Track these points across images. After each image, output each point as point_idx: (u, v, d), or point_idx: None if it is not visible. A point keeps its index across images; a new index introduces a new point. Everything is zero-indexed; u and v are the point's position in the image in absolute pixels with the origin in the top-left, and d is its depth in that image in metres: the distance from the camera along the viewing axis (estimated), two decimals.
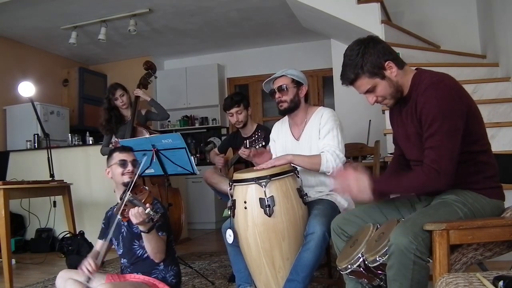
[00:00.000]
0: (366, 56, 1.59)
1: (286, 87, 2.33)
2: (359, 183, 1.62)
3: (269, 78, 2.42)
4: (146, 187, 2.10)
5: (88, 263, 1.94)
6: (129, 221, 1.94)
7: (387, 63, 1.61)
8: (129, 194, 1.91)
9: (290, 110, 2.36)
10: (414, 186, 1.61)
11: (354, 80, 1.64)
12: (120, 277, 2.10)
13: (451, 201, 1.57)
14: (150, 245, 1.97)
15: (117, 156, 2.18)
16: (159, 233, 2.03)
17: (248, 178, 1.99)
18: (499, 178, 1.68)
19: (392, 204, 1.82)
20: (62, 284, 2.01)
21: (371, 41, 1.63)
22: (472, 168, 1.61)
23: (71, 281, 1.99)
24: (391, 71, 1.62)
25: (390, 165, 1.99)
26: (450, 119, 1.51)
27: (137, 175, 2.06)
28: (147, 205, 1.85)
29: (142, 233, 1.94)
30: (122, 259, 2.16)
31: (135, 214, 1.84)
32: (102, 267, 1.97)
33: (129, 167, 2.14)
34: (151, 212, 1.82)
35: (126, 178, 2.12)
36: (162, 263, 2.08)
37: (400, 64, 1.66)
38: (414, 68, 1.73)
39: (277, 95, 2.35)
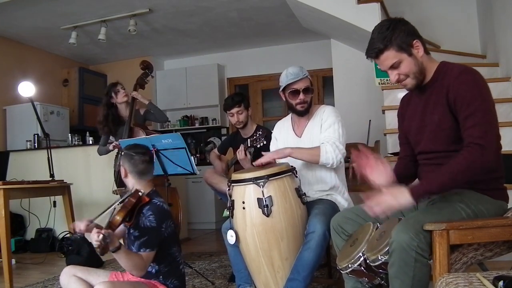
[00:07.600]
0: (397, 31, 1.62)
1: (311, 89, 2.33)
2: (397, 196, 1.51)
3: (295, 78, 2.28)
4: (141, 192, 1.94)
5: (81, 222, 1.86)
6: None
7: (415, 41, 1.64)
8: (117, 204, 1.90)
9: (308, 111, 2.35)
10: (460, 170, 1.47)
11: (382, 50, 1.63)
12: (124, 275, 2.08)
13: (455, 201, 1.56)
14: (121, 263, 1.85)
15: None
16: (141, 250, 1.89)
17: (246, 178, 1.99)
18: (504, 180, 1.67)
19: None
20: (66, 280, 1.98)
21: (401, 20, 1.67)
22: None
23: (74, 278, 1.96)
24: (418, 50, 1.65)
25: (395, 168, 1.87)
26: (488, 100, 1.56)
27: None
28: (104, 226, 1.76)
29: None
30: None
31: (92, 236, 1.73)
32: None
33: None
34: (100, 238, 1.68)
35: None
36: (161, 276, 2.00)
37: (426, 49, 1.68)
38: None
39: (301, 95, 2.30)
